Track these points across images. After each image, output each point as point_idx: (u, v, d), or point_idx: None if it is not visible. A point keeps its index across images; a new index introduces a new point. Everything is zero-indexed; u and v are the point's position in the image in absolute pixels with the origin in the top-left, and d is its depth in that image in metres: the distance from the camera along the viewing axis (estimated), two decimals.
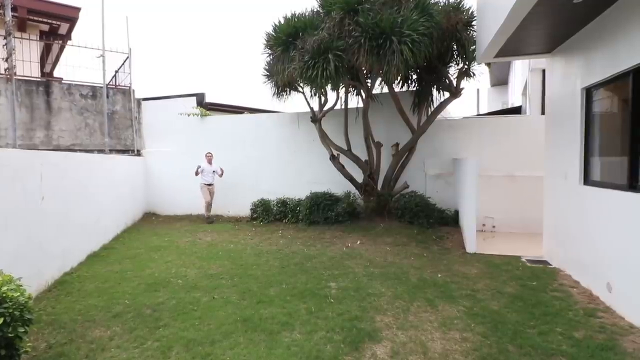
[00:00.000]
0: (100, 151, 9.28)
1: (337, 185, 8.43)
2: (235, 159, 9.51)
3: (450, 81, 7.12)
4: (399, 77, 5.92)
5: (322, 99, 7.62)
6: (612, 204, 3.89)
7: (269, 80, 7.99)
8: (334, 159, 7.79)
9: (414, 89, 7.82)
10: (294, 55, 6.01)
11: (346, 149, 7.92)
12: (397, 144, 7.81)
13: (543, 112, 8.03)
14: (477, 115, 12.22)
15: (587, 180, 4.51)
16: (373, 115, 7.85)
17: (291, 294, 4.22)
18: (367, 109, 7.12)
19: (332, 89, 7.90)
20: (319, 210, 7.74)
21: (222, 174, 9.01)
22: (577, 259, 4.66)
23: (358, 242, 6.56)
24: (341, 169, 7.82)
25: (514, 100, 12.95)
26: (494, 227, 7.50)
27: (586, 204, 4.46)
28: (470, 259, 5.63)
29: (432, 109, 7.67)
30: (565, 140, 4.96)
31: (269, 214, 8.65)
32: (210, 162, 8.87)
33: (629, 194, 3.58)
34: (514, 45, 5.22)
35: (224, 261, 5.58)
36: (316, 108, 8.16)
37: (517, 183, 7.47)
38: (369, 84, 7.09)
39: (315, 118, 8.06)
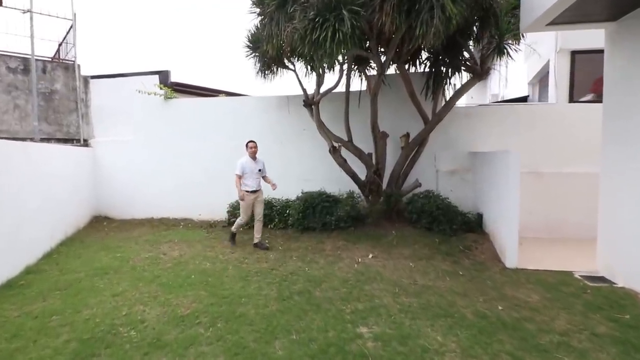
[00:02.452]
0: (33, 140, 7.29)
1: (333, 183, 7.05)
2: (208, 150, 7.85)
3: (474, 59, 5.92)
4: (434, 44, 4.55)
5: (321, 76, 6.16)
6: None
7: (253, 53, 6.43)
8: (334, 151, 6.38)
9: (425, 69, 6.56)
10: (294, 11, 4.51)
11: (347, 139, 6.54)
12: (407, 135, 6.54)
13: (571, 100, 7.09)
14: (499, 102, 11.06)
15: None
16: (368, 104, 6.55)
17: (308, 353, 2.79)
18: (378, 90, 5.77)
19: (329, 68, 6.47)
20: (315, 214, 6.33)
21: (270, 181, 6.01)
22: None
23: (370, 256, 5.23)
24: (342, 163, 6.43)
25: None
26: None
27: None
28: (518, 278, 4.47)
29: (449, 93, 6.46)
30: None
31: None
32: (254, 156, 5.84)
33: None
34: (572, 11, 4.08)
35: (199, 291, 4.03)
36: (310, 90, 6.71)
37: (543, 181, 6.45)
38: (382, 58, 5.71)
39: (309, 101, 6.61)
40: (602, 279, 4.48)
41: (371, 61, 6.29)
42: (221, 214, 7.52)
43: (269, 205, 7.14)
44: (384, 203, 6.17)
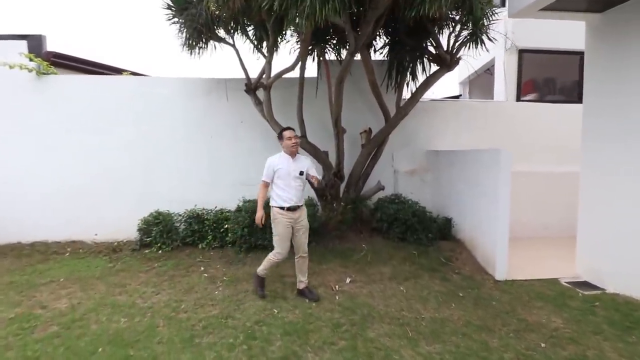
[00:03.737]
0: None
1: None
2: (108, 146, 5.82)
3: (441, 48, 5.33)
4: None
5: (274, 50, 4.82)
6: None
7: (178, 17, 4.77)
8: None
9: (386, 57, 5.79)
10: None
11: (300, 134, 5.36)
12: (369, 130, 5.66)
13: (518, 99, 7.11)
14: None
15: None
16: (325, 92, 5.53)
17: None
18: (345, 76, 4.72)
19: (299, 34, 5.20)
20: (265, 228, 5.00)
21: (319, 182, 3.99)
22: None
23: (348, 281, 4.17)
24: None
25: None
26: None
27: None
28: (518, 294, 3.92)
29: (413, 85, 5.80)
30: None
31: (173, 236, 5.42)
32: (294, 152, 3.75)
33: None
34: None
35: None
36: (253, 73, 5.32)
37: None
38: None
39: (252, 86, 5.23)
40: (588, 285, 4.23)
41: (331, 43, 5.24)
42: (128, 233, 5.61)
43: (198, 218, 5.53)
44: (350, 210, 5.17)
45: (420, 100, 5.68)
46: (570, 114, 6.62)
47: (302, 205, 3.76)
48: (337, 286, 4.03)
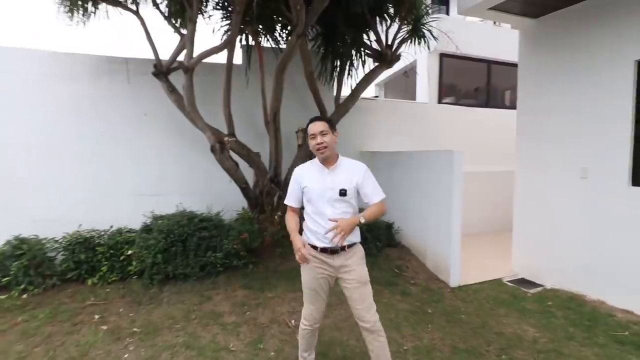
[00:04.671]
0: None
1: (196, 198, 4.74)
2: None
3: (382, 43, 5.00)
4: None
5: (195, 25, 3.74)
6: None
7: None
8: (221, 149, 4.06)
9: (322, 49, 5.22)
10: None
11: (227, 132, 4.38)
12: (305, 129, 4.98)
13: (439, 101, 7.31)
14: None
15: (637, 180, 3.49)
16: (257, 82, 4.72)
17: None
18: (288, 62, 3.94)
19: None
20: (188, 252, 3.91)
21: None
22: (619, 282, 3.57)
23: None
24: (232, 169, 4.21)
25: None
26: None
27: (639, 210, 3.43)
28: (478, 301, 3.76)
29: (351, 80, 5.35)
30: (586, 130, 3.82)
31: (46, 271, 3.89)
32: (327, 160, 2.16)
33: None
34: None
35: None
36: (164, 54, 4.13)
37: None
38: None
39: (164, 69, 4.05)
40: (527, 282, 4.36)
41: (266, 24, 4.40)
42: None
43: (85, 243, 4.08)
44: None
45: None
46: (489, 117, 7.09)
47: (354, 245, 2.20)
48: (292, 320, 3.26)
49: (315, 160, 2.24)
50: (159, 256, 3.80)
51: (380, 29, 5.08)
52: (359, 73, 5.35)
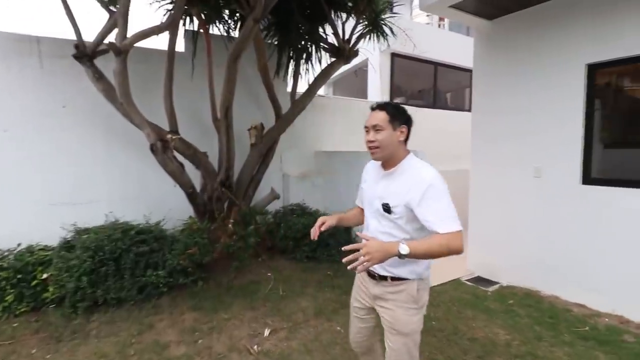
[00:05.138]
0: None
1: (132, 206, 4.09)
2: None
3: (339, 37, 4.75)
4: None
5: (126, 4, 3.09)
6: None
7: None
8: (163, 148, 3.43)
9: (276, 41, 4.82)
10: None
11: (169, 129, 3.78)
12: (260, 127, 4.55)
13: (391, 100, 7.27)
14: None
15: (587, 178, 3.64)
16: (204, 73, 4.19)
17: None
18: (244, 49, 3.47)
19: None
20: (123, 272, 3.26)
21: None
22: (572, 277, 3.72)
23: (267, 332, 3.00)
24: (178, 171, 3.61)
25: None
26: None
27: (589, 208, 3.58)
28: (444, 304, 3.64)
29: (307, 76, 5.02)
30: (539, 130, 3.93)
31: None
32: (382, 161, 1.67)
33: None
34: None
35: None
36: (88, 35, 3.41)
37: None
38: None
39: (88, 51, 3.35)
40: (483, 280, 4.41)
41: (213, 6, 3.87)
42: None
43: None
44: (253, 232, 3.91)
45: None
46: (439, 118, 7.22)
47: (401, 280, 1.66)
48: (255, 346, 2.83)
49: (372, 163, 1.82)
50: (84, 279, 3.11)
51: (340, 22, 4.84)
52: (316, 68, 5.04)
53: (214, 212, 3.87)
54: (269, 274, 3.90)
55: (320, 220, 1.81)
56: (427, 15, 8.05)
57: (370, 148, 1.62)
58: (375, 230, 1.66)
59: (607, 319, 3.33)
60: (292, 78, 4.83)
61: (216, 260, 3.64)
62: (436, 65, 7.65)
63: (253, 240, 3.71)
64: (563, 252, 3.77)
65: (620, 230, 3.34)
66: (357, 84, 8.36)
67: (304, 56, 4.76)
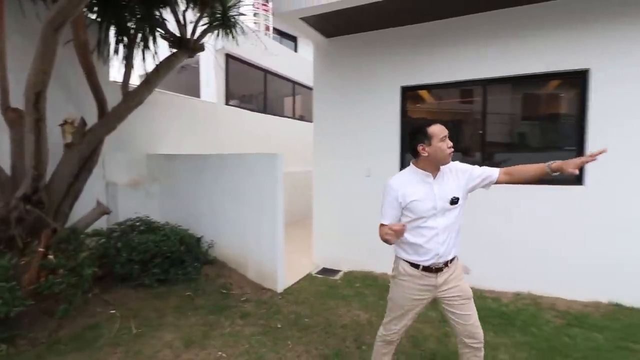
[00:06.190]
0: None
1: None
2: None
3: (183, 27, 4.23)
4: None
5: None
6: None
7: None
8: None
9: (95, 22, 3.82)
10: None
11: None
12: (81, 123, 3.49)
13: (227, 102, 7.00)
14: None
15: None
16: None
17: None
18: (70, 16, 2.52)
19: None
20: None
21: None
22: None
23: None
24: None
25: None
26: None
27: None
28: (316, 305, 3.79)
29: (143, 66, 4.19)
30: (368, 138, 4.71)
31: None
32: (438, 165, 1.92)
33: None
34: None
35: None
36: None
37: None
38: None
39: None
40: (329, 270, 4.89)
41: None
42: None
43: None
44: (86, 259, 2.90)
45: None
46: (276, 123, 7.48)
47: (454, 258, 2.03)
48: None
49: (415, 170, 1.99)
50: None
51: (181, 10, 4.30)
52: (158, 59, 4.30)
53: (16, 240, 2.71)
54: (112, 311, 3.06)
55: (395, 227, 1.78)
56: (255, 23, 8.21)
57: (451, 153, 1.91)
58: (444, 226, 1.92)
59: None
60: (124, 66, 3.93)
61: (29, 310, 2.55)
62: (266, 72, 7.92)
63: (90, 271, 2.80)
64: None
65: None
66: (190, 81, 7.62)
67: (139, 41, 3.97)
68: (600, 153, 1.78)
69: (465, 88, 4.35)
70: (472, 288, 2.08)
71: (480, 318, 2.06)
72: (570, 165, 1.80)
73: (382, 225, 1.98)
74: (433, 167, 1.95)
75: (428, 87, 4.47)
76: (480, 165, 2.07)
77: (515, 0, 3.77)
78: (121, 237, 3.56)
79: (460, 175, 1.99)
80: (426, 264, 1.96)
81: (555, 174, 1.86)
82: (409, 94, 4.55)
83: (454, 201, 1.92)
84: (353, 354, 2.87)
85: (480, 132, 4.19)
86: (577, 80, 3.76)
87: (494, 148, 4.25)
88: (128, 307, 3.22)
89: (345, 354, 2.87)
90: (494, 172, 1.99)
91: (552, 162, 1.87)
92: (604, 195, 3.65)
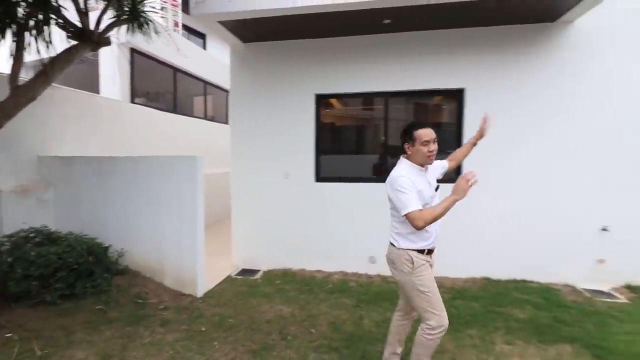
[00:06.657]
0: None
1: None
2: None
3: (86, 17, 3.88)
4: None
5: None
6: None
7: None
8: None
9: None
10: None
11: None
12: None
13: (132, 100, 6.48)
14: None
15: (318, 177, 4.96)
16: None
17: None
18: None
19: None
20: None
21: None
22: (309, 253, 4.97)
23: None
24: None
25: None
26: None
27: (321, 199, 4.92)
28: (228, 302, 3.91)
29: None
30: (286, 142, 4.93)
31: None
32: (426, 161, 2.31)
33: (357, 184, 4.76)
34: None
35: None
36: None
37: None
38: None
39: None
40: (249, 270, 4.98)
41: None
42: None
43: None
44: None
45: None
46: (188, 124, 7.19)
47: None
48: None
49: (410, 165, 2.29)
50: None
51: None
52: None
53: None
54: (8, 334, 2.71)
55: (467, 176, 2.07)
56: (162, 17, 7.73)
57: (430, 157, 2.24)
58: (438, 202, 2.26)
59: (336, 276, 4.76)
60: (12, 57, 3.43)
61: None
62: (176, 70, 7.54)
63: None
64: (304, 234, 4.95)
65: (339, 212, 4.87)
66: (87, 76, 6.81)
67: (30, 28, 3.51)
68: (485, 121, 2.66)
69: (371, 98, 4.91)
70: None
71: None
72: (480, 133, 2.67)
73: (413, 212, 2.10)
74: (422, 164, 2.29)
75: (340, 96, 4.91)
76: (391, 159, 2.57)
77: (414, 25, 4.39)
78: (13, 250, 3.13)
79: (435, 166, 2.46)
80: (430, 247, 2.28)
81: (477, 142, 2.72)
82: (323, 100, 4.92)
83: (437, 188, 2.34)
84: (279, 344, 3.07)
85: (383, 137, 4.79)
86: (456, 96, 4.59)
87: (393, 149, 4.86)
88: (27, 328, 2.87)
89: (271, 346, 3.05)
90: (446, 163, 2.63)
91: (471, 138, 2.74)
92: (477, 190, 4.52)
